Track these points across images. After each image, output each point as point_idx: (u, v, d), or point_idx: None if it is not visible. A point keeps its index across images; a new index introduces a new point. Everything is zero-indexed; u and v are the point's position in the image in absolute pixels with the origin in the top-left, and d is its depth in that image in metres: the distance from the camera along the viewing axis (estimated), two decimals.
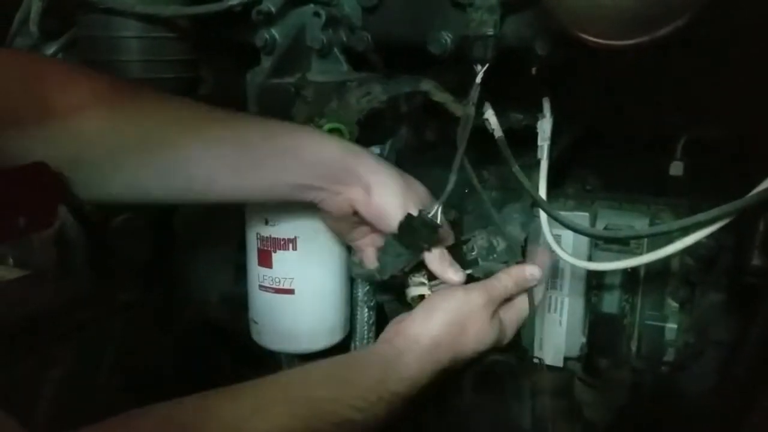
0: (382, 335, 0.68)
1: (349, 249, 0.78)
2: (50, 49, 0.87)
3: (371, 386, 0.61)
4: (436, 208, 0.67)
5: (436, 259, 0.69)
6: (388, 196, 0.67)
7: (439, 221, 0.66)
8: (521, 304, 0.71)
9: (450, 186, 0.66)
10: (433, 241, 0.68)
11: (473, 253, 0.76)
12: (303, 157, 0.66)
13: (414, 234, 0.66)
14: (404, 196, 0.67)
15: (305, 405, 0.57)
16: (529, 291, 0.71)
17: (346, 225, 0.72)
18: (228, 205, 0.72)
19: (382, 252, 0.70)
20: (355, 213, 0.69)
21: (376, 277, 0.71)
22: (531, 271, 0.69)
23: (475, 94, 0.66)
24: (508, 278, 0.69)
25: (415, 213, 0.66)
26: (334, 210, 0.69)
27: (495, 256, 0.77)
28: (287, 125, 0.69)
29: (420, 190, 0.71)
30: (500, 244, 0.77)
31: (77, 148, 0.63)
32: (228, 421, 0.53)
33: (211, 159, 0.66)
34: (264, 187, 0.67)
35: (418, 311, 0.67)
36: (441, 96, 0.75)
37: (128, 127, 0.65)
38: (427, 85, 0.74)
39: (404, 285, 0.72)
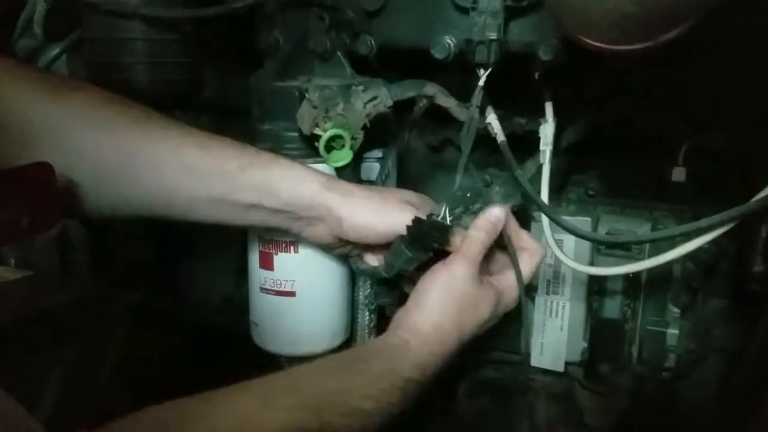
0: (386, 332, 0.69)
1: None
2: (54, 51, 0.87)
3: (382, 374, 0.61)
4: (443, 209, 0.67)
5: (458, 242, 0.69)
6: (363, 217, 0.68)
7: (449, 222, 0.67)
8: (511, 271, 0.71)
9: (456, 186, 0.66)
10: (444, 240, 0.68)
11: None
12: (277, 194, 0.67)
13: (425, 237, 0.67)
14: (381, 211, 0.68)
15: (315, 396, 0.57)
16: (514, 262, 0.70)
17: (346, 250, 0.73)
18: (213, 228, 0.73)
19: (390, 254, 0.70)
20: (341, 241, 0.70)
21: (381, 275, 0.71)
22: (495, 214, 0.68)
23: (478, 97, 0.66)
24: (477, 231, 0.68)
25: (399, 219, 0.67)
26: (319, 241, 0.71)
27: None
28: (264, 156, 0.69)
29: (403, 195, 0.72)
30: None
31: (75, 165, 0.63)
32: (238, 413, 0.53)
33: (188, 185, 0.67)
34: (240, 215, 0.69)
35: (410, 301, 0.68)
36: (445, 100, 0.75)
37: (118, 149, 0.65)
38: (432, 90, 0.74)
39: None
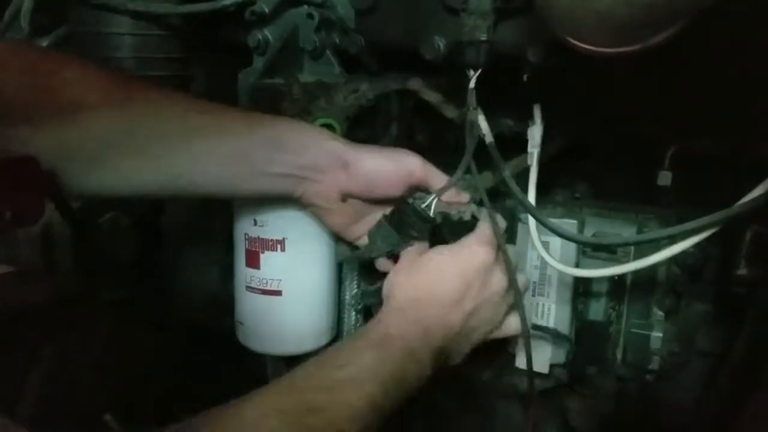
0: None
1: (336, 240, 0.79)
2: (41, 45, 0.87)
3: (347, 343, 0.62)
4: (430, 200, 0.67)
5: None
6: (372, 161, 0.68)
7: (432, 215, 0.67)
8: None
9: (451, 183, 0.66)
10: (423, 232, 0.68)
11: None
12: (284, 147, 0.67)
13: (405, 221, 0.67)
14: (389, 155, 0.69)
15: (288, 381, 0.57)
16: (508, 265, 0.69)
17: (344, 218, 0.72)
18: (215, 198, 0.72)
19: (373, 231, 0.70)
20: (344, 199, 0.70)
21: (364, 256, 0.71)
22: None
23: (472, 99, 0.66)
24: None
25: (408, 162, 0.67)
26: (320, 200, 0.70)
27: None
28: (269, 117, 0.69)
29: (406, 151, 0.71)
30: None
31: (78, 141, 0.63)
32: (211, 412, 0.52)
33: (196, 150, 0.66)
34: (247, 178, 0.68)
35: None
36: (430, 95, 0.75)
37: (123, 119, 0.64)
38: (415, 84, 0.74)
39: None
